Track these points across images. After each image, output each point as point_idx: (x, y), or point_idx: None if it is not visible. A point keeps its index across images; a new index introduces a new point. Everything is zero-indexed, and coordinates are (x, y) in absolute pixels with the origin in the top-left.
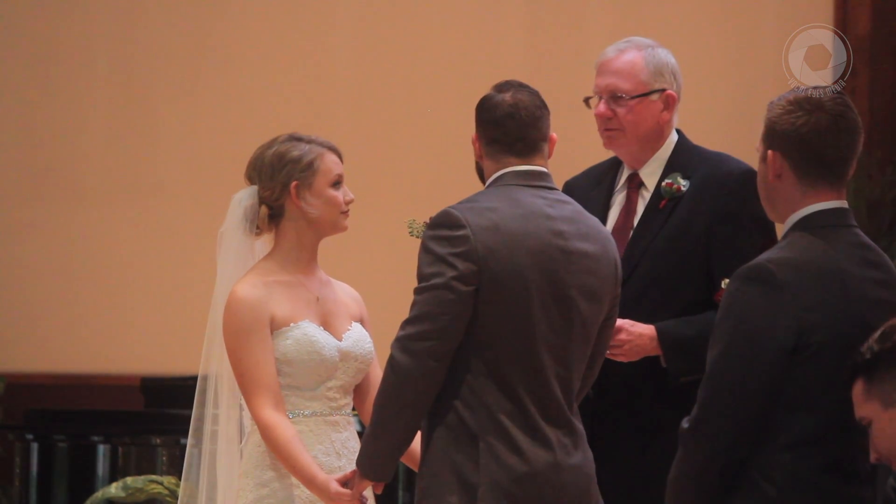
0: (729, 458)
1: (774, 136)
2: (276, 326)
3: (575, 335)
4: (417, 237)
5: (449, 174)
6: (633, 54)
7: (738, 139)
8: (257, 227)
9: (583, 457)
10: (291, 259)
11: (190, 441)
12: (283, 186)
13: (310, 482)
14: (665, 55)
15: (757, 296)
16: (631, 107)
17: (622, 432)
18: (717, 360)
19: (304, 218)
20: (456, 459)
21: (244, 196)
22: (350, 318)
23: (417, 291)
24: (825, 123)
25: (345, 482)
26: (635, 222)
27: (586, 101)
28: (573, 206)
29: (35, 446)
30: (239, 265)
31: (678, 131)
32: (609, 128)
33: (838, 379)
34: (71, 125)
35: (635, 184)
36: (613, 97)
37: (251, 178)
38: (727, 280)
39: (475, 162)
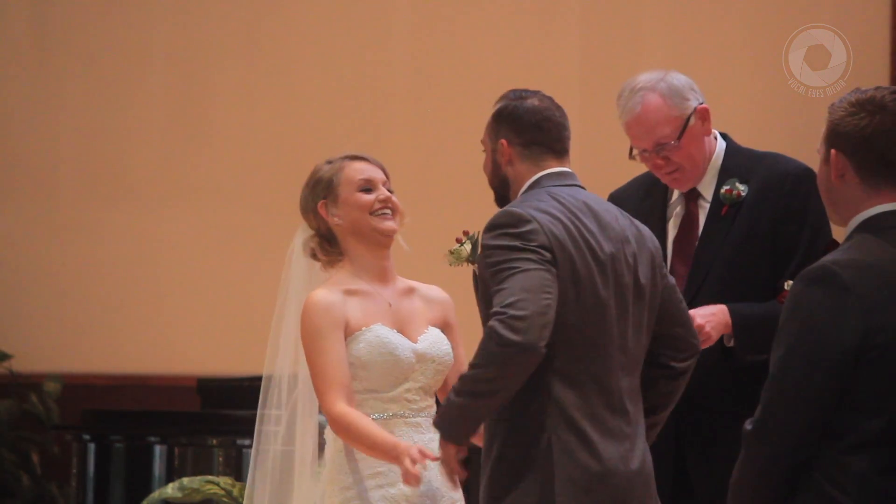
0: (792, 460)
1: (838, 138)
2: (349, 331)
3: (632, 326)
4: (467, 261)
5: None
6: (652, 98)
7: (800, 145)
8: (322, 257)
9: (645, 452)
10: (359, 270)
11: (256, 441)
12: (314, 213)
13: (391, 452)
14: (675, 78)
15: (821, 297)
16: (681, 145)
17: (713, 443)
18: (781, 361)
19: (344, 231)
20: (529, 455)
21: (298, 234)
22: (427, 323)
23: (501, 278)
24: (889, 123)
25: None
26: (699, 233)
27: (631, 155)
28: (608, 205)
29: (92, 447)
30: (307, 287)
31: (724, 136)
32: (669, 171)
33: None
34: (128, 128)
35: (693, 195)
36: (661, 147)
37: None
38: (790, 282)
39: (492, 171)
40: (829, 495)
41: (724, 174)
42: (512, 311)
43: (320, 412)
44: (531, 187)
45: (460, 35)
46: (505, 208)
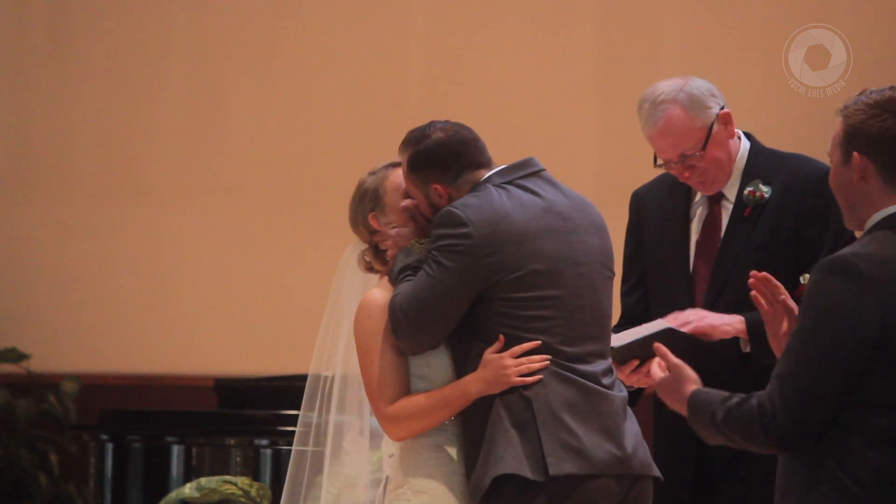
0: (797, 448)
1: (860, 140)
2: None
3: (596, 305)
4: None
5: None
6: (674, 111)
7: (800, 145)
8: (379, 268)
9: (636, 436)
10: None
11: (296, 442)
12: (365, 226)
13: (464, 392)
14: (695, 87)
15: (840, 288)
16: (705, 153)
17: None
18: (797, 350)
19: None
20: (515, 425)
21: (350, 251)
22: None
23: (421, 272)
24: None
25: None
26: (722, 235)
27: (656, 164)
28: (563, 189)
29: (109, 447)
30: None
31: (748, 136)
32: (696, 179)
33: None
34: (146, 129)
35: (716, 196)
36: (686, 157)
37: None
38: (807, 275)
39: (434, 213)
40: (845, 488)
41: (748, 175)
42: (403, 308)
43: (371, 415)
44: (483, 182)
45: (477, 38)
46: (448, 207)
